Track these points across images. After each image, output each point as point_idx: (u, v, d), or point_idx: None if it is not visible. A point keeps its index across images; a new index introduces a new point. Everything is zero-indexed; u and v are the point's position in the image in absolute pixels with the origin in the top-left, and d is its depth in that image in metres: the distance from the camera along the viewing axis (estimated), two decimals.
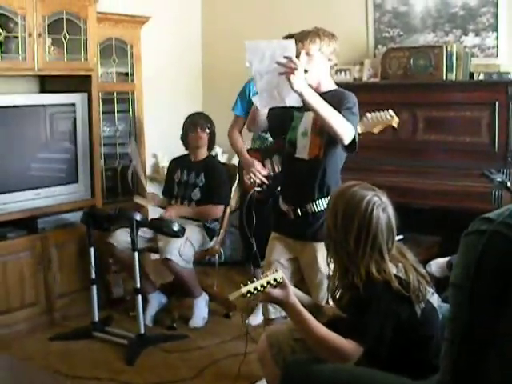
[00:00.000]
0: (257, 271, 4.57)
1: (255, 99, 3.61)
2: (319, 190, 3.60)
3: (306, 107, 3.42)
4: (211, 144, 5.46)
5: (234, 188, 5.35)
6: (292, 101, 3.38)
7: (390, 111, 4.21)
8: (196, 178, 5.32)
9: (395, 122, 4.22)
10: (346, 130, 3.37)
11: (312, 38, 3.57)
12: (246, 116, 5.08)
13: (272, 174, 4.26)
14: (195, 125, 5.34)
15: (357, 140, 3.46)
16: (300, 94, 3.28)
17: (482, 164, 4.78)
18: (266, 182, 4.49)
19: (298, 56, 3.51)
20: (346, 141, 3.40)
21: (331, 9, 6.00)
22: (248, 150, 4.95)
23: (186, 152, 5.52)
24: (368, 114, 4.25)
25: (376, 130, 4.28)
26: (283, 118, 3.72)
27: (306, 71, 3.50)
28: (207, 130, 5.35)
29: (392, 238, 2.68)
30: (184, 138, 5.43)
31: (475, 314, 2.00)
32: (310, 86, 3.58)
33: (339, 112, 3.39)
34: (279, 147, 4.12)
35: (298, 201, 3.65)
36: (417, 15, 5.70)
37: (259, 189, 4.13)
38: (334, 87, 3.72)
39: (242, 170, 4.86)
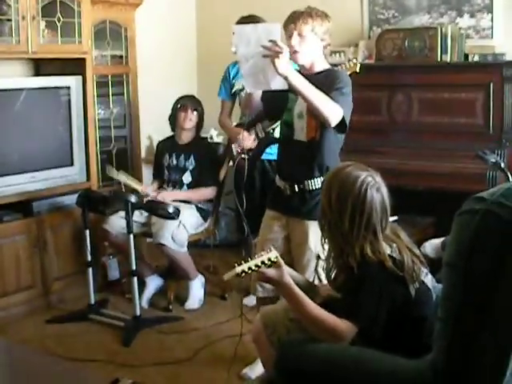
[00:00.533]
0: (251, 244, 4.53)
1: (243, 83, 3.62)
2: (318, 169, 3.60)
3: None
4: (199, 127, 5.44)
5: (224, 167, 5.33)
6: (277, 84, 3.38)
7: (354, 60, 4.18)
8: (185, 161, 5.31)
9: (358, 66, 4.20)
10: (331, 112, 3.36)
11: (304, 18, 3.55)
12: (230, 98, 5.19)
13: (257, 139, 4.24)
14: (185, 105, 5.33)
15: (347, 120, 3.46)
16: (285, 78, 3.28)
17: (477, 145, 4.79)
18: (251, 147, 4.42)
19: (290, 36, 3.52)
20: (333, 123, 3.38)
21: None
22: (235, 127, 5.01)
23: (171, 134, 5.52)
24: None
25: None
26: (278, 100, 3.72)
27: (296, 52, 3.51)
28: (196, 112, 5.34)
29: (386, 218, 2.69)
30: (172, 119, 5.42)
31: (468, 293, 2.02)
32: (303, 66, 3.60)
33: (330, 92, 3.39)
34: (260, 117, 4.12)
35: (296, 177, 3.65)
36: None
37: (245, 156, 4.13)
38: (328, 67, 3.71)
39: (231, 145, 4.83)
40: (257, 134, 4.12)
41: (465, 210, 2.06)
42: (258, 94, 3.85)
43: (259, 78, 3.41)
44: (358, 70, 4.15)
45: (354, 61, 4.14)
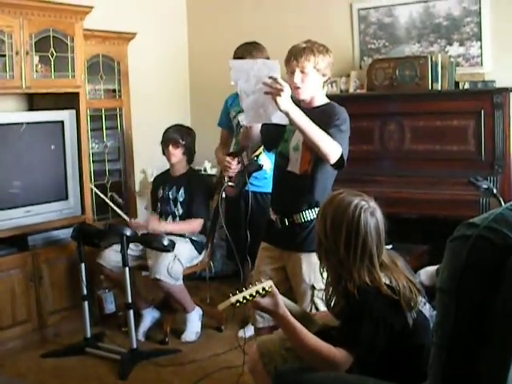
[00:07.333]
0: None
1: (241, 117, 3.63)
2: (308, 203, 3.60)
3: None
4: (190, 157, 5.43)
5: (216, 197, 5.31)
6: (278, 119, 3.40)
7: None
8: (176, 193, 5.32)
9: None
10: (331, 150, 3.37)
11: (307, 55, 3.54)
12: (226, 126, 5.16)
13: (241, 168, 4.24)
14: (167, 141, 5.34)
15: (345, 158, 3.47)
16: (287, 114, 3.29)
17: (470, 172, 4.80)
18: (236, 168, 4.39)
19: (292, 73, 3.54)
20: (332, 160, 3.40)
21: (317, 22, 6.03)
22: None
23: (168, 168, 5.53)
24: None
25: None
26: (276, 131, 3.72)
27: (298, 88, 3.54)
28: (180, 146, 5.33)
29: (381, 243, 2.68)
30: (163, 153, 5.45)
31: (461, 318, 2.02)
32: (303, 101, 3.61)
33: (328, 129, 3.41)
34: (243, 146, 4.14)
35: (286, 211, 3.66)
36: (401, 26, 5.75)
37: (232, 184, 4.14)
38: (326, 101, 3.72)
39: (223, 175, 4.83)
40: (242, 162, 4.12)
41: (457, 236, 2.07)
42: (257, 127, 3.85)
43: (260, 112, 3.43)
44: None
45: None
